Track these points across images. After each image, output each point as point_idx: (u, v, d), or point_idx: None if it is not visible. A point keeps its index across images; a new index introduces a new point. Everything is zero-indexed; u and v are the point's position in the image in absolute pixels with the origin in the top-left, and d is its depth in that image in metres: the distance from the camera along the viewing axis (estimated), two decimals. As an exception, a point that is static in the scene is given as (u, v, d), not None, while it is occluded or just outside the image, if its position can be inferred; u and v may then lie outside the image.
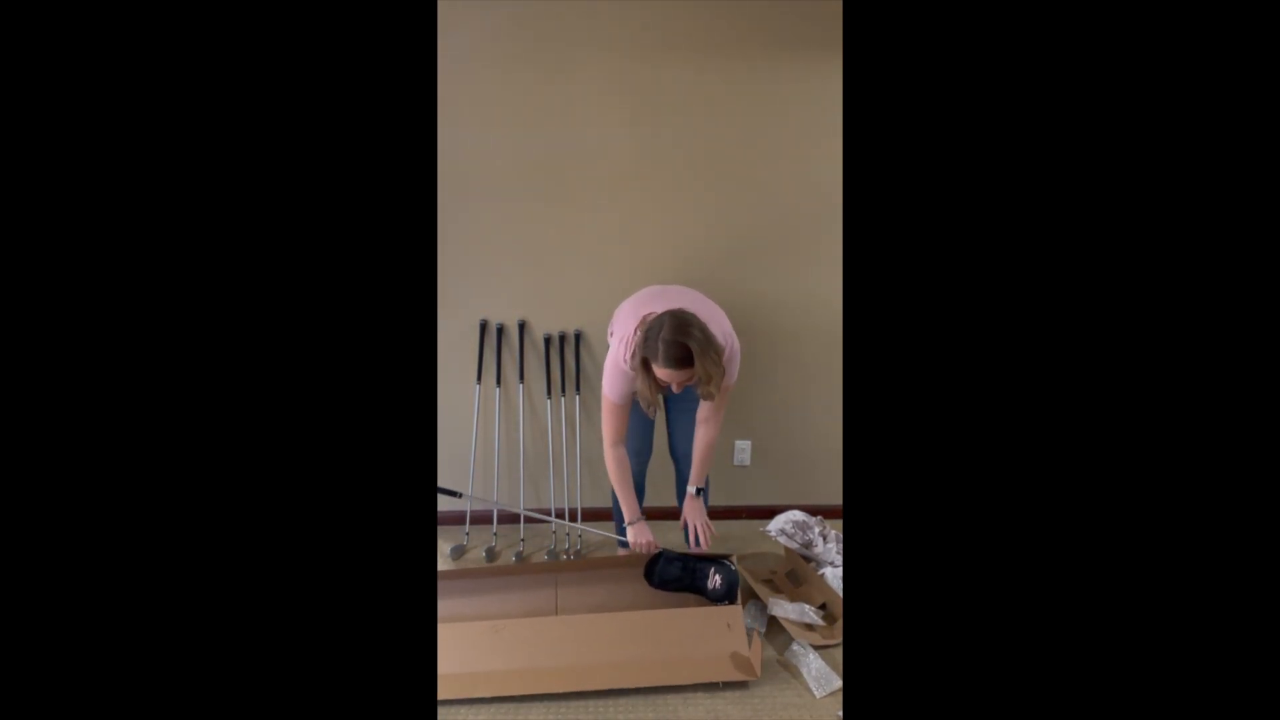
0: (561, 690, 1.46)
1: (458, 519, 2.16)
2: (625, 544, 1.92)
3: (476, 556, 2.05)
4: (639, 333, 1.48)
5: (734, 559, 1.70)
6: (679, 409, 1.72)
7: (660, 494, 2.05)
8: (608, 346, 2.10)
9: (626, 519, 1.68)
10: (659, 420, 1.78)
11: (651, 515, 2.06)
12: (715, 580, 1.63)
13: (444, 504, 2.08)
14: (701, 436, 1.69)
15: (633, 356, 1.50)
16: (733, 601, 1.61)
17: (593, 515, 2.22)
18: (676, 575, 1.68)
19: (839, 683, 1.51)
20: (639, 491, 1.85)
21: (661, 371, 1.43)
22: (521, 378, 2.10)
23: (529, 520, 2.14)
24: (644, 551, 1.64)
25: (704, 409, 1.66)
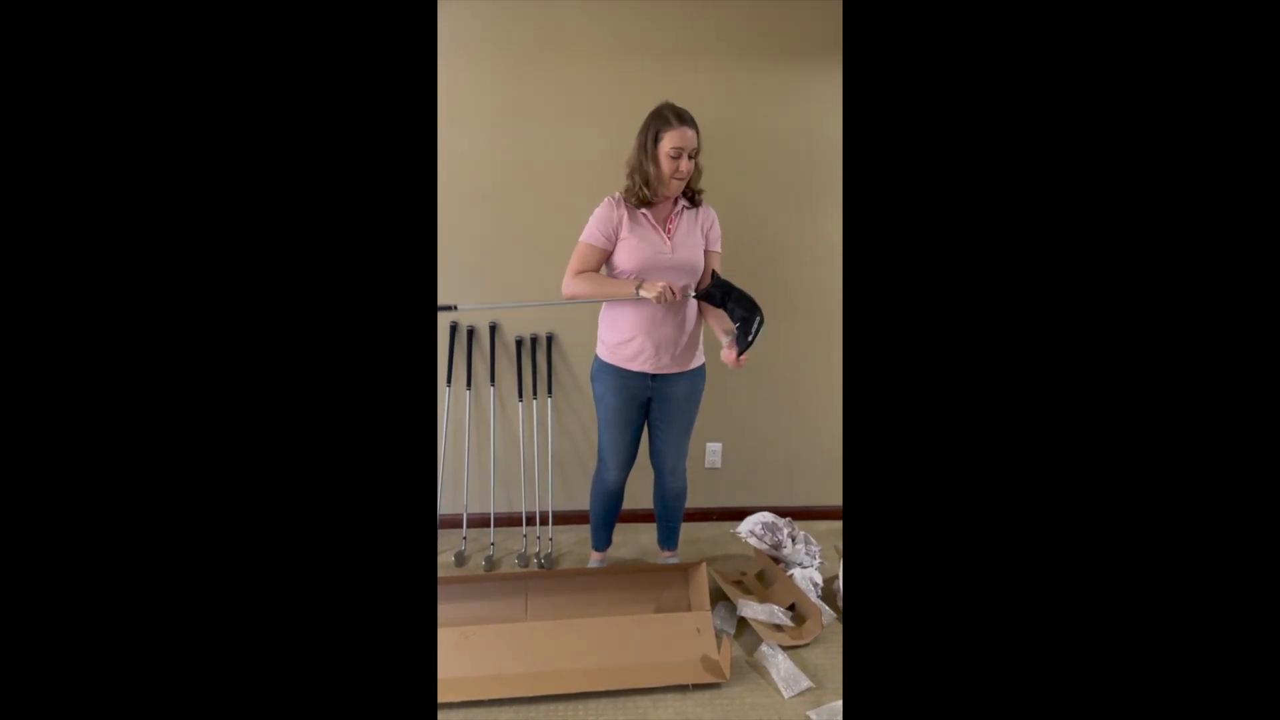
0: (530, 694, 1.46)
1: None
2: (599, 549, 1.93)
3: (445, 561, 2.03)
4: (639, 135, 1.54)
5: (756, 327, 1.51)
6: (662, 417, 1.71)
7: (635, 497, 2.05)
8: (580, 349, 2.10)
9: (629, 290, 1.52)
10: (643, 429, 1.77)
11: (627, 519, 2.07)
12: (734, 338, 1.52)
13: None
14: None
15: (636, 163, 1.54)
16: (740, 343, 1.50)
17: (565, 519, 2.21)
18: (717, 302, 1.58)
19: (807, 683, 1.53)
20: (618, 499, 1.84)
21: (675, 133, 1.48)
22: (493, 380, 2.09)
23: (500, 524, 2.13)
24: (671, 297, 1.47)
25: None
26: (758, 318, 1.51)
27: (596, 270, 1.59)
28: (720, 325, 1.61)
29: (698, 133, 1.51)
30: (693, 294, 1.60)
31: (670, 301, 1.49)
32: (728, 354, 1.52)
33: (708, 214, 1.65)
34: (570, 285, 1.57)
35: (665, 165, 1.50)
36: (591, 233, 1.56)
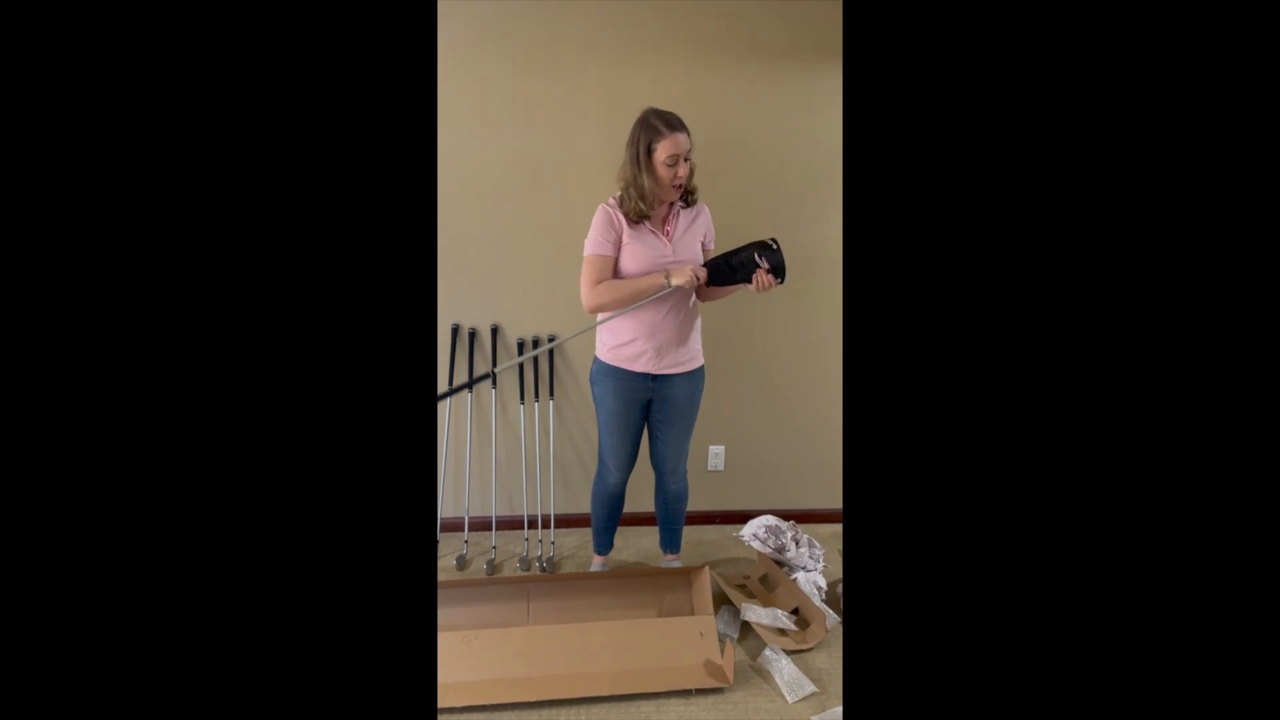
0: (532, 699, 1.45)
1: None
2: (601, 552, 1.92)
3: (447, 565, 2.02)
4: (629, 147, 1.51)
5: (774, 245, 1.51)
6: (663, 418, 1.71)
7: (637, 501, 2.04)
8: (581, 351, 2.09)
9: (660, 280, 1.51)
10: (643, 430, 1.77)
11: (629, 522, 2.06)
12: (763, 265, 1.51)
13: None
14: None
15: (630, 172, 1.52)
16: (781, 278, 1.51)
17: (566, 522, 2.20)
18: (727, 276, 1.56)
19: (811, 687, 1.52)
20: (619, 501, 1.84)
21: (668, 142, 1.46)
22: (494, 382, 2.08)
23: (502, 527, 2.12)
24: (699, 280, 1.51)
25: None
26: (768, 240, 1.50)
27: (610, 277, 1.58)
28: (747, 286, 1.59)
29: (688, 134, 1.50)
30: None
31: (697, 284, 1.52)
32: (767, 279, 1.49)
33: (703, 212, 1.65)
34: (594, 297, 1.53)
35: (663, 174, 1.49)
36: (597, 242, 1.55)
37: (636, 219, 1.55)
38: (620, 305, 1.53)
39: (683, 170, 1.49)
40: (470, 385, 1.50)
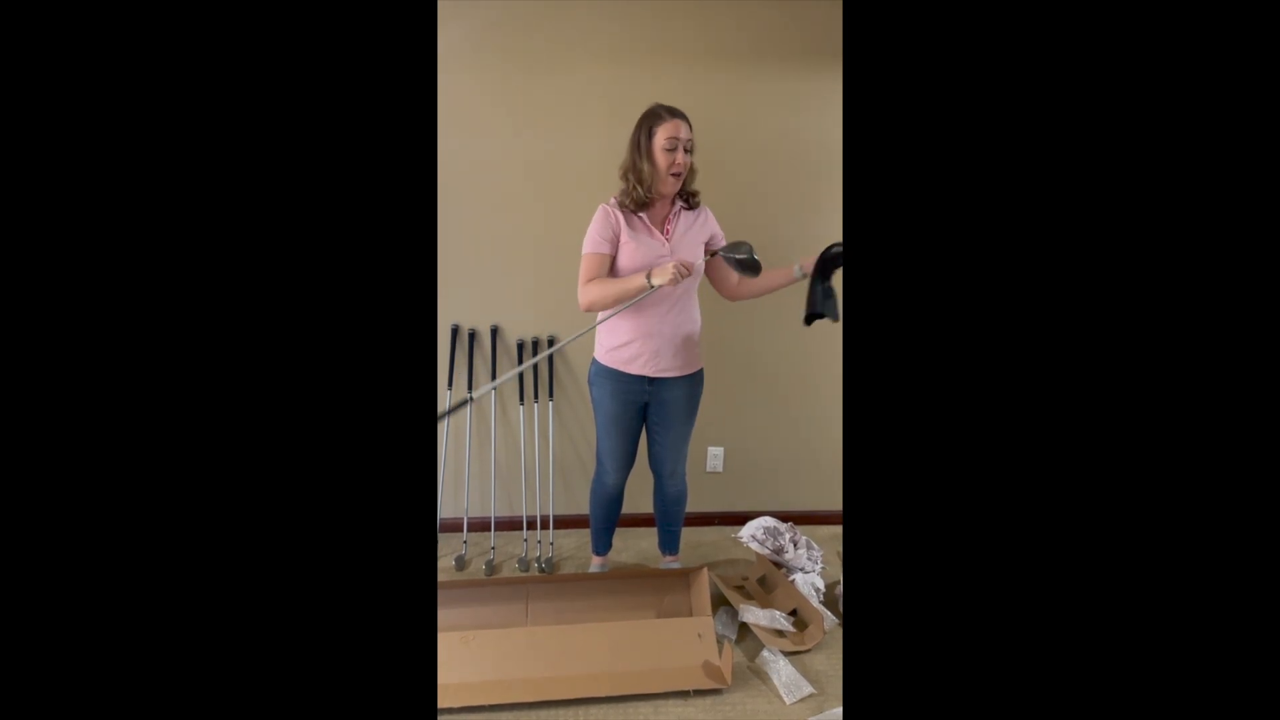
0: (531, 700, 1.45)
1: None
2: (600, 553, 1.92)
3: (446, 565, 2.02)
4: (632, 137, 1.54)
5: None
6: (660, 421, 1.71)
7: (636, 502, 2.04)
8: (581, 351, 2.09)
9: (640, 283, 1.47)
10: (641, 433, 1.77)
11: (628, 523, 2.06)
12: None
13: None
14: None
15: (632, 161, 1.53)
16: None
17: (566, 523, 2.20)
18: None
19: (809, 689, 1.52)
20: (618, 502, 1.84)
21: (668, 125, 1.49)
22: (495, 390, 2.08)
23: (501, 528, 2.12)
24: (685, 274, 1.44)
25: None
26: (833, 253, 1.50)
27: (606, 276, 1.57)
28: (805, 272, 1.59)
29: (690, 126, 1.51)
30: (721, 255, 1.60)
31: (684, 277, 1.43)
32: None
33: (706, 215, 1.66)
34: (585, 294, 1.54)
35: (661, 159, 1.50)
36: (594, 240, 1.55)
37: (636, 209, 1.55)
38: (607, 303, 1.52)
39: (681, 157, 1.50)
40: (458, 406, 1.47)
